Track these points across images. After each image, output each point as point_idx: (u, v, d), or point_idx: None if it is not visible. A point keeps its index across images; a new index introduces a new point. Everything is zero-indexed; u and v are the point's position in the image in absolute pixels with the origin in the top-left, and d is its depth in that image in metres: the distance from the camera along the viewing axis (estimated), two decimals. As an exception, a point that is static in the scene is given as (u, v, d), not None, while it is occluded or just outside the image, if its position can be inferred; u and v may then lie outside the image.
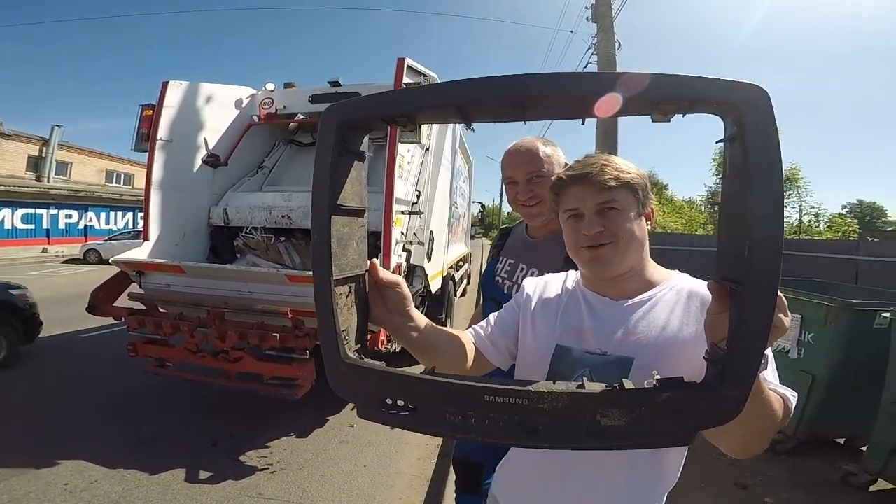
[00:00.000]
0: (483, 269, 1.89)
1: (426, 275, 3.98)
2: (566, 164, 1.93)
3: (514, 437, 0.58)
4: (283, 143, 5.10)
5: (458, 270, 6.73)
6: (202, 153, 4.17)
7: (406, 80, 3.51)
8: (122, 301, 3.68)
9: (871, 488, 2.68)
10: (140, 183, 24.88)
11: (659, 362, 0.80)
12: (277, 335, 3.02)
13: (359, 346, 0.70)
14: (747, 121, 0.53)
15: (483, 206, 17.59)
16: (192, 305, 3.36)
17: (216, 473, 2.83)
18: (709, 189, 16.24)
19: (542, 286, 1.03)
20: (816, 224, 15.52)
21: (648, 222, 0.90)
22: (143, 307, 3.63)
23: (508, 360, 0.99)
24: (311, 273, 2.53)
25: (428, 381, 0.61)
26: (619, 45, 9.90)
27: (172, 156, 3.89)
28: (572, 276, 1.02)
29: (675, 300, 0.88)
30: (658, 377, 0.60)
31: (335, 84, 4.58)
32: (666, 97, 0.55)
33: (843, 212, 37.21)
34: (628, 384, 0.58)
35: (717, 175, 15.48)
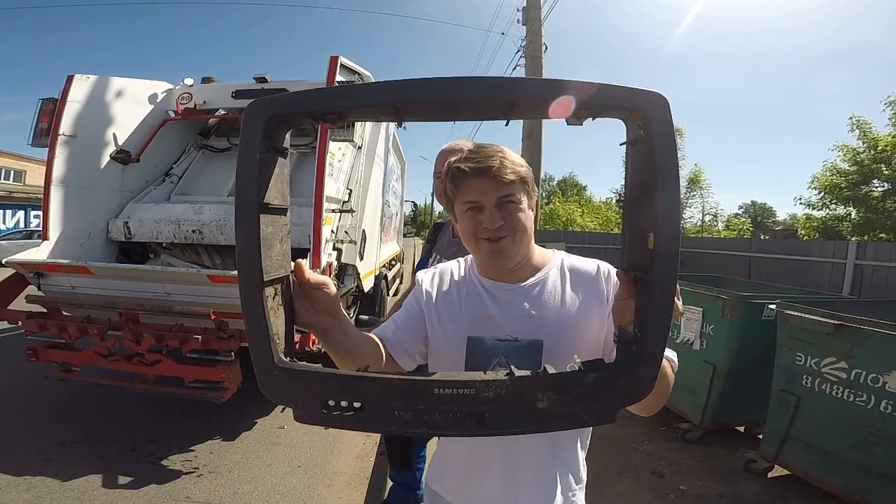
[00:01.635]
0: (416, 263, 2.06)
1: (358, 273, 4.00)
2: None
3: (465, 428, 0.59)
4: (195, 149, 4.75)
5: (390, 269, 6.77)
6: (111, 149, 3.91)
7: (339, 78, 3.52)
8: (19, 304, 3.36)
9: (770, 474, 2.88)
10: (33, 180, 22.42)
11: (563, 341, 0.89)
12: (199, 337, 2.91)
13: (288, 349, 0.68)
14: (651, 125, 0.58)
15: (415, 205, 17.69)
16: (102, 308, 3.15)
17: (137, 479, 2.71)
18: (614, 191, 17.61)
19: (437, 279, 1.04)
20: (715, 223, 17.26)
21: (533, 213, 0.96)
22: (44, 310, 3.34)
23: (418, 361, 0.99)
24: (234, 273, 2.50)
25: (375, 378, 0.61)
26: (546, 47, 10.43)
27: (76, 152, 3.63)
28: (463, 265, 1.05)
29: (561, 279, 0.96)
30: (580, 360, 0.64)
31: (261, 80, 4.46)
32: (582, 103, 0.59)
33: (740, 212, 41.67)
34: (550, 369, 0.61)
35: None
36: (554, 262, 0.99)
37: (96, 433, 3.25)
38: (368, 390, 0.61)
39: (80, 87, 3.66)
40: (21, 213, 19.18)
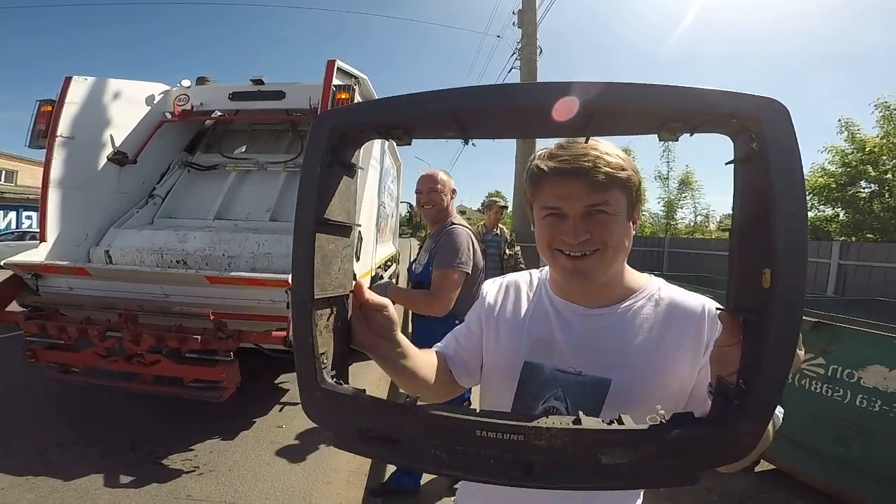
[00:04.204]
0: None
1: (354, 274, 4.04)
2: (454, 189, 2.42)
3: (507, 476, 0.53)
4: (179, 166, 4.59)
5: (386, 270, 6.81)
6: (108, 151, 3.94)
7: (336, 81, 3.59)
8: (15, 306, 3.40)
9: (757, 469, 2.95)
10: (25, 180, 22.19)
11: (637, 385, 0.76)
12: (199, 337, 2.96)
13: (335, 371, 0.65)
14: (768, 138, 0.49)
15: (411, 206, 17.59)
16: (101, 309, 3.19)
17: (138, 477, 2.74)
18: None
19: (503, 291, 0.93)
20: (707, 224, 17.46)
21: (634, 225, 0.80)
22: (43, 311, 3.37)
23: (478, 381, 0.92)
24: (232, 274, 2.62)
25: (412, 411, 0.57)
26: (541, 50, 10.51)
27: (74, 153, 3.67)
28: (536, 277, 0.93)
29: (653, 312, 0.80)
30: (663, 412, 0.56)
31: (258, 82, 4.49)
32: (676, 113, 0.51)
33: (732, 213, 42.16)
34: (627, 420, 0.54)
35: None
36: (648, 290, 0.84)
37: (96, 433, 3.28)
38: (405, 424, 0.57)
39: (78, 89, 3.69)
40: (13, 214, 18.99)
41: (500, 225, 4.61)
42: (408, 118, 0.59)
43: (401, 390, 0.80)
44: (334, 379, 0.62)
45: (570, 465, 0.52)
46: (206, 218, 4.15)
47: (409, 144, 0.63)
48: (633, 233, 0.79)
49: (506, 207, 4.94)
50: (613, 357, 0.77)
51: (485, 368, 0.90)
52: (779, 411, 0.69)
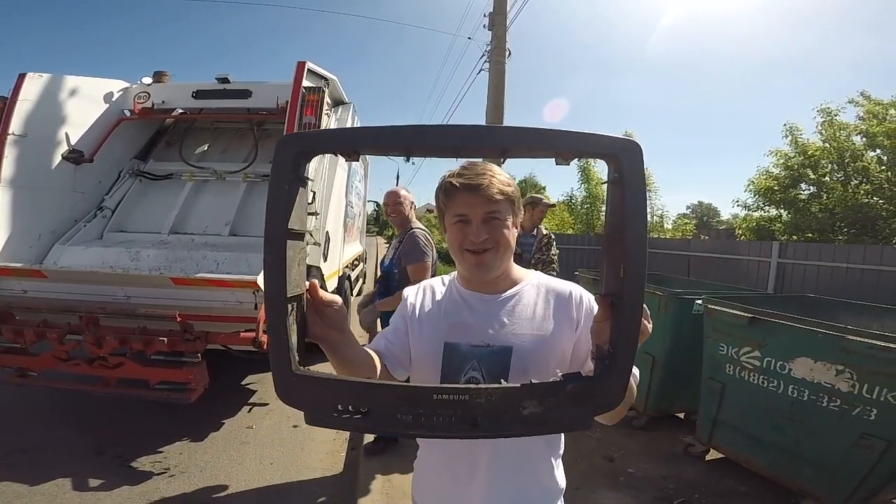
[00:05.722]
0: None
1: (322, 274, 4.08)
2: (412, 201, 2.96)
3: (459, 430, 0.67)
4: (130, 176, 4.36)
5: (353, 269, 6.83)
6: (63, 149, 3.81)
7: (306, 83, 3.61)
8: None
9: (707, 457, 3.12)
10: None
11: (532, 348, 0.96)
12: (165, 339, 2.94)
13: (303, 360, 0.74)
14: (625, 169, 0.65)
15: (378, 205, 17.51)
16: (60, 312, 3.11)
17: (108, 481, 2.71)
18: (566, 194, 18.34)
19: (420, 293, 1.11)
20: (662, 224, 18.10)
21: (516, 230, 1.02)
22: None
23: (410, 372, 1.05)
24: (198, 275, 2.67)
25: (381, 386, 0.71)
26: (510, 53, 10.67)
27: (26, 152, 3.55)
28: (447, 279, 1.12)
29: (535, 294, 1.03)
30: (561, 373, 0.72)
31: (223, 80, 4.44)
32: (565, 152, 0.68)
33: (688, 212, 43.97)
34: (534, 380, 0.70)
35: (579, 182, 17.37)
36: (531, 280, 1.07)
37: (59, 438, 3.20)
38: (375, 396, 0.69)
39: (32, 86, 3.58)
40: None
41: (540, 226, 3.98)
42: (360, 146, 0.72)
43: None
44: (303, 367, 0.72)
45: (501, 417, 0.67)
46: (161, 232, 3.95)
47: (357, 160, 0.77)
48: (517, 236, 1.02)
49: (553, 206, 4.36)
50: (511, 329, 0.98)
51: (413, 357, 1.05)
52: (635, 370, 0.88)
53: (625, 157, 0.65)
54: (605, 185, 0.74)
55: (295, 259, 0.74)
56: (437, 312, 1.05)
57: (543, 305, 1.01)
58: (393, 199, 3.00)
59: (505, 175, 0.98)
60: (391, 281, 2.90)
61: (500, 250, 0.97)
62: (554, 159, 0.70)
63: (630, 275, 0.66)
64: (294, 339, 0.72)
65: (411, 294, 1.12)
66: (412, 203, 3.06)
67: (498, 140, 0.69)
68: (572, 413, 0.69)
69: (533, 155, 0.75)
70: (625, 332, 0.68)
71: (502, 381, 0.73)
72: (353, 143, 0.72)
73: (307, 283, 0.80)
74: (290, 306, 0.72)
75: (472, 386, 0.68)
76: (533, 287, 1.05)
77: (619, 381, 0.69)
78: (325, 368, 0.79)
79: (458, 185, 0.95)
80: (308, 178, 0.77)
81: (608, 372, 0.70)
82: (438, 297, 1.08)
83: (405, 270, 2.81)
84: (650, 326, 0.75)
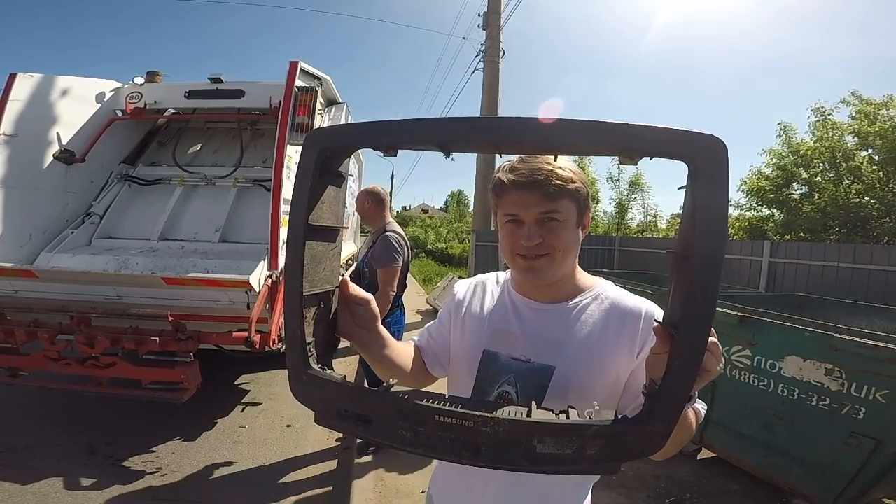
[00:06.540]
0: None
1: (342, 271, 4.08)
2: (381, 200, 3.00)
3: (459, 456, 0.61)
4: (119, 180, 4.28)
5: (347, 269, 6.81)
6: (54, 149, 3.79)
7: (299, 83, 3.60)
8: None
9: (699, 457, 3.13)
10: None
11: (577, 372, 0.85)
12: (157, 339, 2.93)
13: (321, 358, 0.72)
14: (699, 172, 0.53)
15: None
16: (51, 311, 3.09)
17: (100, 480, 2.69)
18: None
19: (472, 288, 1.02)
20: (656, 223, 18.22)
21: (584, 231, 0.89)
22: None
23: (447, 371, 1.00)
24: (190, 275, 2.68)
25: (383, 395, 0.65)
26: (504, 52, 10.70)
27: (17, 152, 3.53)
28: (502, 277, 1.02)
29: (597, 310, 0.89)
30: (597, 407, 0.63)
31: (216, 80, 4.41)
32: (633, 148, 0.57)
33: (682, 212, 44.19)
34: (573, 414, 0.62)
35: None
36: (596, 290, 0.93)
37: (50, 437, 3.18)
38: (377, 406, 0.65)
39: (23, 86, 3.57)
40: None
41: None
42: (392, 141, 0.65)
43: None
44: (320, 365, 0.70)
45: (510, 450, 0.60)
46: (150, 238, 3.91)
47: (395, 155, 0.70)
48: (583, 237, 0.89)
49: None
50: (558, 347, 0.86)
51: (451, 358, 0.98)
52: (702, 407, 0.80)
53: (701, 158, 0.53)
54: (682, 189, 0.61)
55: (326, 254, 0.72)
56: (483, 315, 0.96)
57: (603, 323, 0.88)
58: (356, 198, 3.18)
59: (570, 167, 0.84)
60: (362, 280, 2.93)
61: (555, 256, 0.84)
62: (618, 158, 0.61)
63: (694, 302, 0.53)
64: (321, 336, 0.71)
65: (461, 289, 1.04)
66: (380, 201, 3.03)
67: (546, 136, 0.58)
68: (597, 456, 0.59)
69: (588, 152, 0.65)
70: (678, 371, 0.55)
71: (533, 403, 0.64)
72: (385, 138, 0.65)
73: (339, 280, 0.78)
74: (318, 302, 0.71)
75: (478, 413, 0.61)
76: (596, 300, 0.91)
77: (660, 429, 0.57)
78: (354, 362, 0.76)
79: (506, 181, 0.83)
80: (342, 174, 0.74)
81: (649, 415, 0.58)
82: (488, 297, 0.99)
83: (375, 272, 2.83)
84: (720, 367, 0.63)
